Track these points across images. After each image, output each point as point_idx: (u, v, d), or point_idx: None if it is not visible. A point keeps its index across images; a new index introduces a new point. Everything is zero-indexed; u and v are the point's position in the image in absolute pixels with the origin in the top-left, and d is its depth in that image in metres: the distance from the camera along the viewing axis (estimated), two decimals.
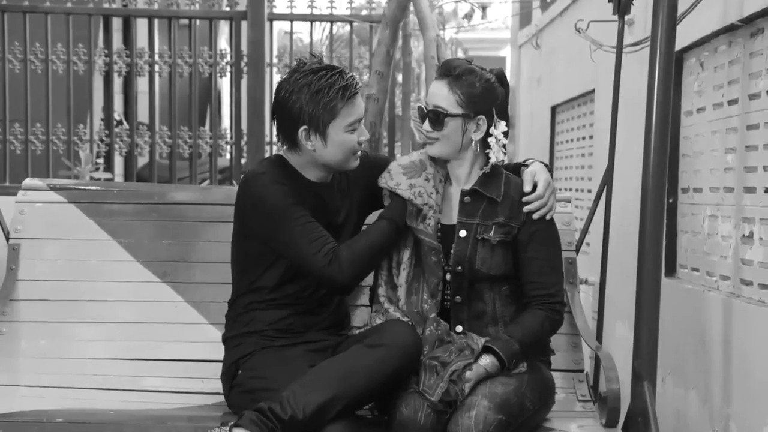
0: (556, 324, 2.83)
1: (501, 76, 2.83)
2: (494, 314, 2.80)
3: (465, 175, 2.84)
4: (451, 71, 2.77)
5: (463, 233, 2.79)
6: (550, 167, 2.98)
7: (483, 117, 2.77)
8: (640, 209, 3.03)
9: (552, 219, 2.83)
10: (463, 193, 2.82)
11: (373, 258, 2.76)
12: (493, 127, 2.78)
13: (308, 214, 2.73)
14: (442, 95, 2.77)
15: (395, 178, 2.80)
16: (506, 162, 2.88)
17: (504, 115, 2.81)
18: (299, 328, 2.82)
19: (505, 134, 2.81)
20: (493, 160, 2.79)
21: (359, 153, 2.83)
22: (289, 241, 2.70)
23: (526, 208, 2.80)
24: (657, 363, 2.99)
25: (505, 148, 2.80)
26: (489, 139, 2.78)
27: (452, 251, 2.79)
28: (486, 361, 2.67)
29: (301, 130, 2.74)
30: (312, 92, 2.71)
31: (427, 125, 2.79)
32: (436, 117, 2.77)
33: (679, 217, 4.15)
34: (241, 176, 2.87)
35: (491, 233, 2.77)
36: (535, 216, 2.80)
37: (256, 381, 2.72)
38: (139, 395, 3.03)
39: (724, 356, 3.49)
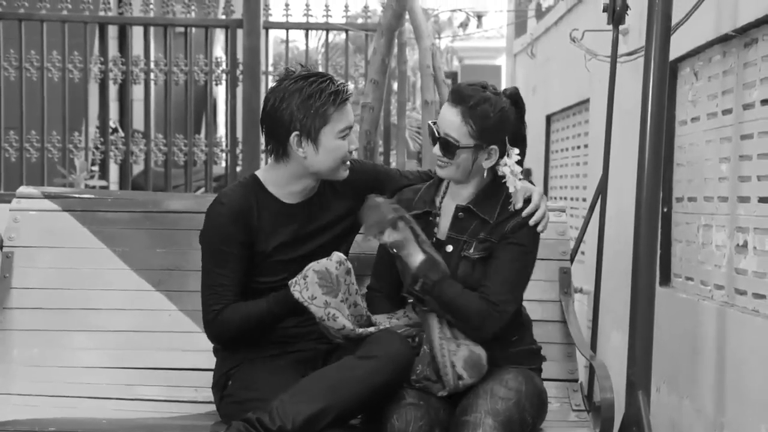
0: (488, 322, 2.66)
1: (515, 97, 2.75)
2: None
3: (467, 195, 2.79)
4: (465, 100, 2.69)
5: (449, 248, 2.76)
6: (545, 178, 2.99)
7: (495, 147, 2.72)
8: (635, 218, 3.04)
9: (532, 236, 2.74)
10: (458, 209, 2.79)
11: (245, 331, 2.75)
12: (506, 156, 2.72)
13: (230, 261, 2.73)
14: (454, 125, 2.70)
15: (311, 289, 2.62)
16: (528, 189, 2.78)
17: (518, 140, 2.74)
18: (289, 338, 2.81)
19: (520, 161, 2.75)
20: (511, 190, 2.72)
21: (348, 163, 2.81)
22: (202, 277, 2.78)
23: (532, 221, 2.73)
24: (651, 372, 2.99)
25: (522, 174, 2.74)
26: (503, 169, 2.72)
27: None
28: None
29: (293, 136, 2.72)
30: (303, 97, 2.69)
31: (437, 150, 2.74)
32: (447, 146, 2.71)
33: (674, 227, 4.15)
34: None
35: (471, 250, 2.74)
36: (540, 228, 2.74)
37: (246, 392, 2.71)
38: (132, 404, 3.02)
39: (718, 365, 3.49)
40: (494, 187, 2.77)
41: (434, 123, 2.76)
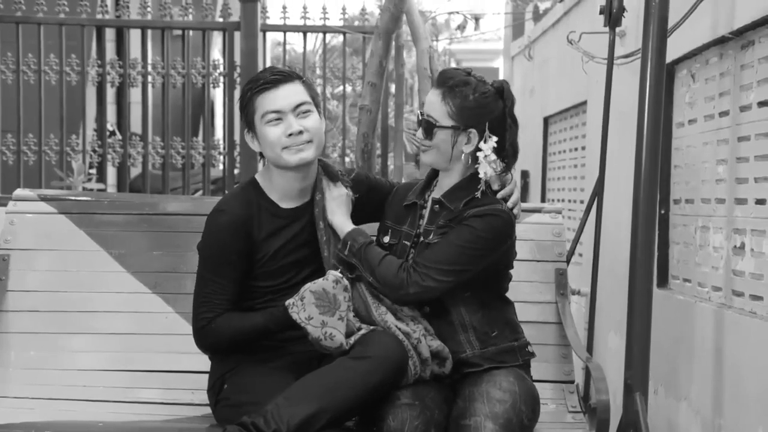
0: (406, 284, 2.65)
1: (501, 89, 2.77)
2: (462, 321, 2.76)
3: (448, 185, 2.80)
4: (446, 82, 2.75)
5: (422, 240, 2.78)
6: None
7: (474, 130, 2.73)
8: (632, 220, 3.04)
9: (489, 225, 2.68)
10: (434, 202, 2.81)
11: (236, 343, 2.76)
12: (483, 142, 2.72)
13: (228, 271, 2.73)
14: (434, 105, 2.75)
15: (307, 310, 2.64)
16: (505, 176, 2.78)
17: (500, 130, 2.74)
18: (284, 342, 2.80)
19: (510, 149, 2.74)
20: (481, 175, 2.72)
21: (298, 147, 2.73)
22: (195, 284, 2.78)
23: (510, 203, 2.75)
24: (649, 374, 2.99)
25: (497, 164, 2.72)
26: (478, 154, 2.73)
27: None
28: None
29: (245, 133, 2.82)
30: (242, 93, 2.80)
31: (420, 133, 2.78)
32: (427, 126, 2.75)
33: (671, 228, 4.15)
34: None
35: (431, 237, 2.75)
36: (516, 212, 2.76)
37: (241, 395, 2.70)
38: (129, 407, 3.02)
39: (715, 367, 3.49)
40: (471, 182, 2.76)
41: (420, 109, 2.82)
